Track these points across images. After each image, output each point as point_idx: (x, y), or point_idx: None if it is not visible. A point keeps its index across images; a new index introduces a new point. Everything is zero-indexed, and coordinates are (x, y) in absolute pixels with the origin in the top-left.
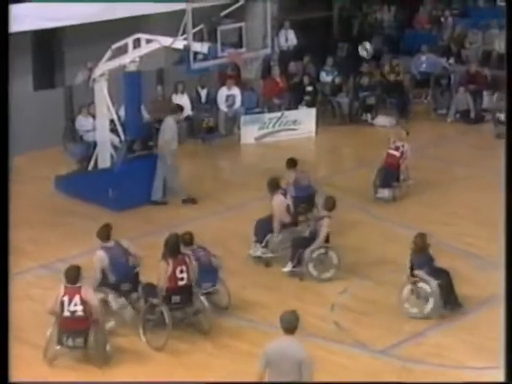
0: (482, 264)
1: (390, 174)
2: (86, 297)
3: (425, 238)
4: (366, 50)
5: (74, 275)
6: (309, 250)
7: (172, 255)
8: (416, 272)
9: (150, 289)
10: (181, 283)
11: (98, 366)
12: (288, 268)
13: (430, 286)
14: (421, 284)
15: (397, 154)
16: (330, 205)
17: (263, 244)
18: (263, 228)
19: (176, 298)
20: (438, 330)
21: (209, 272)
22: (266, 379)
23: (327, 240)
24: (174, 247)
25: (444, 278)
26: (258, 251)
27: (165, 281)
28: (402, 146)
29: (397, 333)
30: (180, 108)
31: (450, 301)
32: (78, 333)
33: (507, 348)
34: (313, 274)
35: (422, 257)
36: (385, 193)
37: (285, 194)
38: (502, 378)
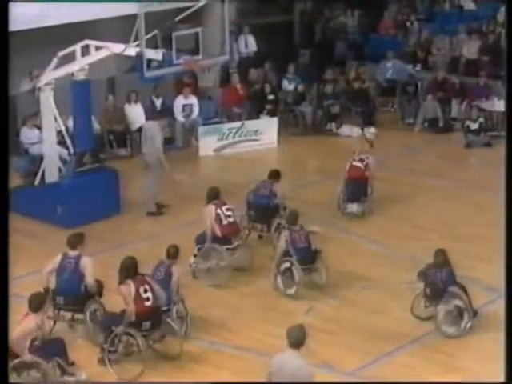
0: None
1: (357, 188)
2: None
3: (445, 252)
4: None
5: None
6: (274, 262)
7: (130, 277)
8: (450, 289)
9: (111, 318)
10: (147, 304)
11: None
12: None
13: (463, 301)
14: (456, 301)
15: (361, 165)
16: (292, 219)
17: (193, 254)
18: (199, 240)
19: (146, 324)
20: (406, 350)
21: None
22: None
23: (288, 255)
24: (131, 269)
25: (463, 288)
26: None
27: (131, 304)
28: (367, 158)
29: (365, 353)
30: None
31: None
32: None
33: (507, 348)
34: (280, 288)
35: (449, 272)
36: (353, 207)
37: (219, 206)
38: (501, 378)
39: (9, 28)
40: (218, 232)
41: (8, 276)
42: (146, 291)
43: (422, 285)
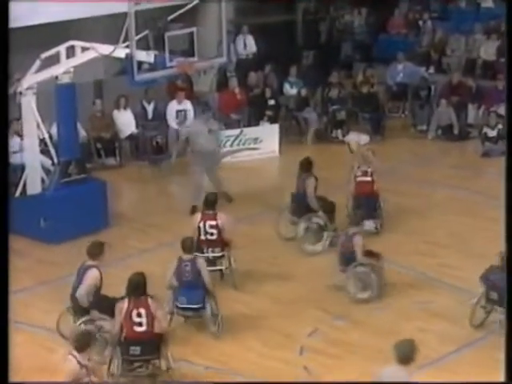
0: (469, 299)
1: (370, 204)
2: None
3: None
4: None
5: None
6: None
7: (133, 295)
8: None
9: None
10: (138, 329)
11: None
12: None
13: None
14: None
15: (368, 179)
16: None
17: None
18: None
19: (135, 349)
20: (416, 374)
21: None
22: None
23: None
24: (137, 287)
25: None
26: None
27: (118, 323)
28: (368, 168)
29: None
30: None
31: None
32: None
33: (507, 348)
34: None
35: None
36: (371, 225)
37: (204, 220)
38: (501, 378)
39: (9, 27)
40: (196, 242)
41: (8, 275)
42: (139, 315)
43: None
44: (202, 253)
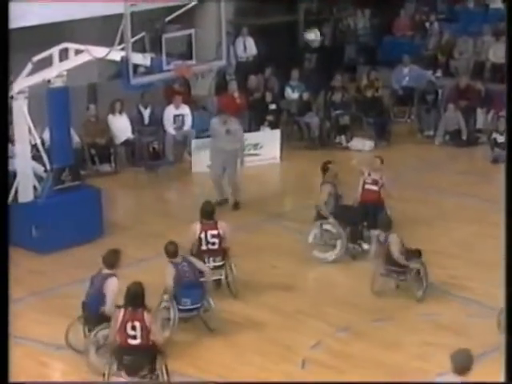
0: (479, 311)
1: (376, 212)
2: None
3: None
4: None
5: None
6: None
7: (130, 305)
8: None
9: None
10: (132, 342)
11: None
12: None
13: None
14: None
15: (376, 188)
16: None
17: None
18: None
19: (127, 359)
20: None
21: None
22: None
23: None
24: (135, 297)
25: None
26: None
27: (114, 332)
28: (381, 179)
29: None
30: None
31: None
32: None
33: (507, 348)
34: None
35: None
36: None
37: (205, 229)
38: (501, 378)
39: (9, 26)
40: (194, 251)
41: (8, 275)
42: (133, 328)
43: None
44: (204, 263)
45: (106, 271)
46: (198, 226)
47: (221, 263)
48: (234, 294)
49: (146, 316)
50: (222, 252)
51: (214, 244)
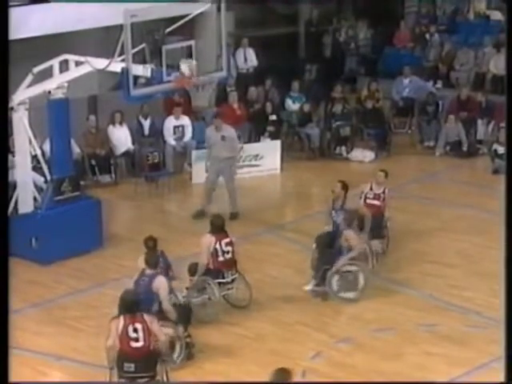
0: (479, 321)
1: (376, 224)
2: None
3: None
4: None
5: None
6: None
7: (127, 313)
8: None
9: None
10: (134, 345)
11: None
12: (310, 286)
13: None
14: None
15: (377, 203)
16: None
17: (186, 287)
18: (192, 270)
19: (129, 366)
20: None
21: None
22: None
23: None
24: (131, 305)
25: None
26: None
27: (111, 339)
28: (383, 193)
29: None
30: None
31: None
32: None
33: (507, 347)
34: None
35: None
36: (377, 246)
37: (219, 240)
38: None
39: (9, 37)
40: (212, 265)
41: (8, 274)
42: (135, 331)
43: None
44: (223, 277)
45: (149, 271)
46: (212, 239)
47: (235, 276)
48: (249, 303)
49: (147, 317)
50: (235, 263)
51: (228, 253)
